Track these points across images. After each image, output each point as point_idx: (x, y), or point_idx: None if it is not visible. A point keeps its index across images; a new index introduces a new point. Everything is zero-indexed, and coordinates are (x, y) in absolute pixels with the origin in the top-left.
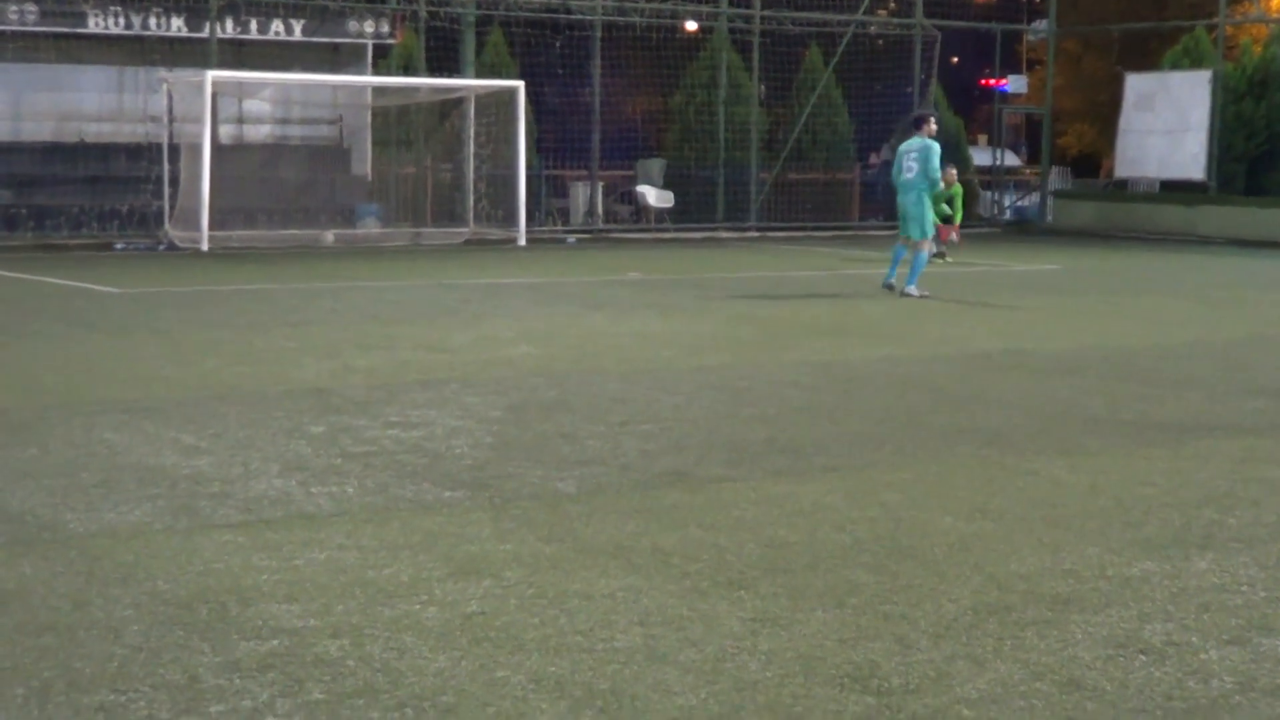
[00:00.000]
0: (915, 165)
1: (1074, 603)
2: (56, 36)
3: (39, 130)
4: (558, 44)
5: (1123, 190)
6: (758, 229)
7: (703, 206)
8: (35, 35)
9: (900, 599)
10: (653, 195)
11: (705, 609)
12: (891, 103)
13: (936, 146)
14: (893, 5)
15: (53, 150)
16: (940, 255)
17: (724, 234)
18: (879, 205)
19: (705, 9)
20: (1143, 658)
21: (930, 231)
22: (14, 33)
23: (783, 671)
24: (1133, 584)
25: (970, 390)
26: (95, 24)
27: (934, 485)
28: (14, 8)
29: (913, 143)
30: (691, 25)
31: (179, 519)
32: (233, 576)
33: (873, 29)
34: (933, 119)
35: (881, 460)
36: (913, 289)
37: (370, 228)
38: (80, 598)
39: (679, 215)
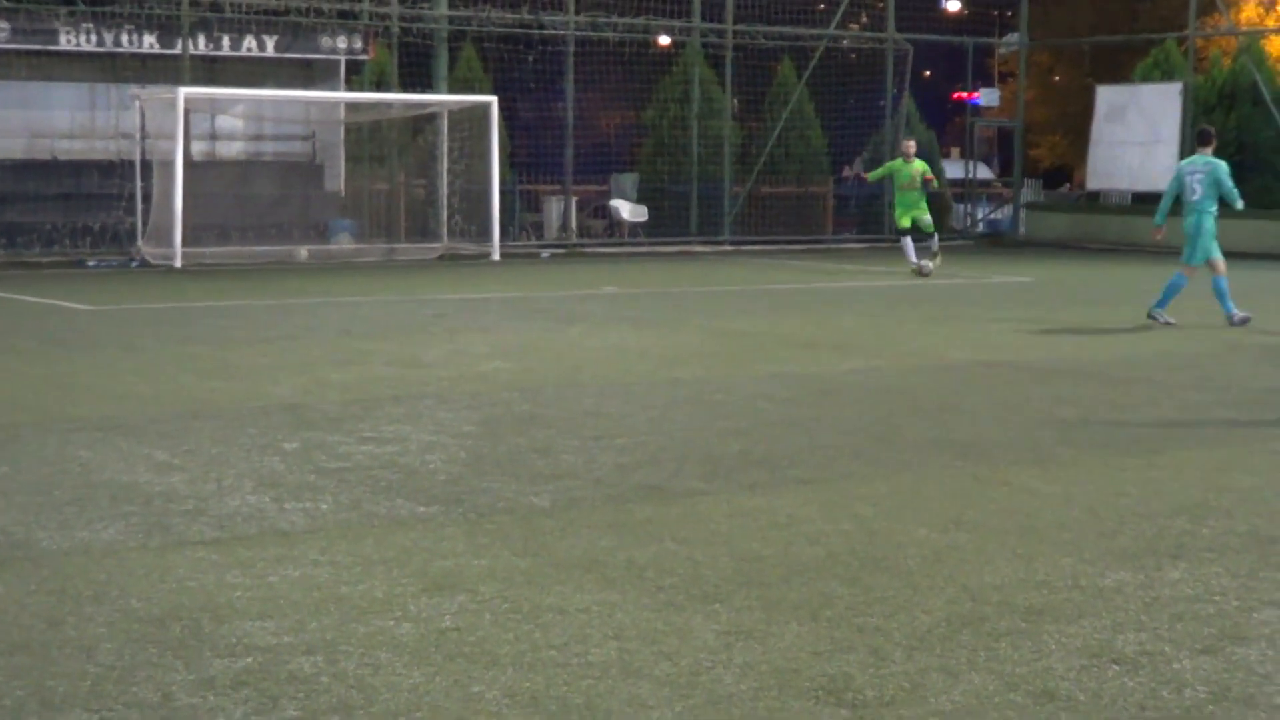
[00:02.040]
0: (1200, 187)
1: (1047, 613)
2: (28, 54)
3: (10, 147)
4: (531, 59)
5: (1095, 202)
6: (731, 243)
7: (676, 220)
8: (6, 52)
9: (874, 611)
10: (626, 209)
11: (680, 623)
12: (864, 116)
13: (1224, 165)
14: (865, 19)
15: (24, 167)
16: (920, 270)
17: (698, 248)
18: (852, 219)
19: (678, 23)
20: (1116, 668)
21: (1210, 254)
22: None
23: (757, 685)
24: (1106, 594)
25: (944, 401)
26: (67, 41)
27: (908, 497)
28: None
29: (1196, 161)
30: (664, 40)
31: (152, 536)
32: (206, 594)
33: (845, 43)
34: (1212, 134)
35: (856, 472)
36: (1235, 313)
37: (344, 244)
38: (53, 616)
39: (653, 229)
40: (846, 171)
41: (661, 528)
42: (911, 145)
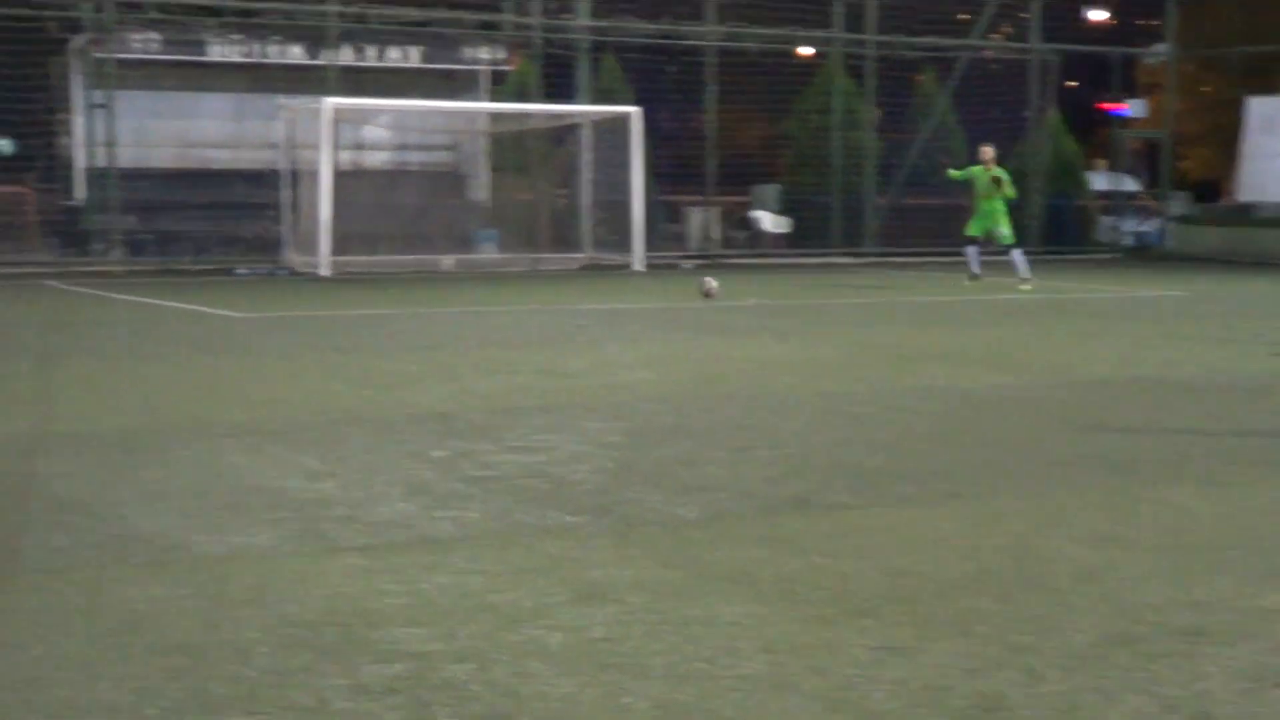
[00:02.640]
0: None
1: (1205, 634)
2: (179, 64)
3: (161, 157)
4: (672, 69)
5: (1246, 215)
6: (874, 254)
7: (818, 232)
8: (157, 63)
9: (1027, 629)
10: (769, 220)
11: (829, 637)
12: (1008, 128)
13: None
14: (1009, 29)
15: (175, 176)
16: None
17: (840, 259)
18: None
19: (819, 34)
20: (1277, 691)
21: None
22: (138, 60)
23: (909, 701)
24: (1267, 616)
25: (1093, 417)
26: (216, 52)
27: (1059, 513)
28: (138, 36)
29: None
30: (805, 50)
31: (305, 542)
32: (359, 600)
33: (988, 53)
34: None
35: (1005, 487)
36: None
37: (488, 253)
38: (210, 619)
39: (795, 240)
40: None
41: (810, 541)
42: (990, 152)
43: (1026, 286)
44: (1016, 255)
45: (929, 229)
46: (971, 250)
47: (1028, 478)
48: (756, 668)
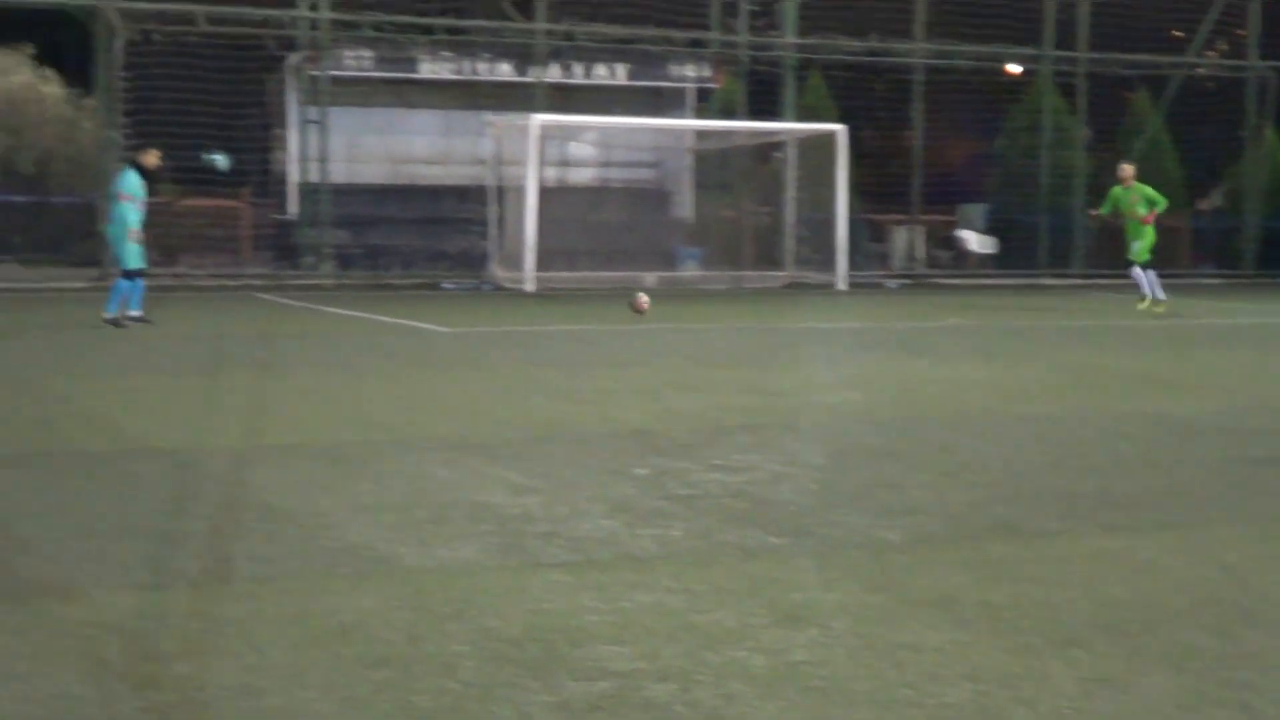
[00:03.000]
0: None
1: None
2: (390, 82)
3: (373, 173)
4: (878, 87)
5: None
6: (1082, 275)
7: (1025, 252)
8: (370, 80)
9: (1245, 666)
10: (974, 240)
11: (1037, 667)
12: (1222, 147)
13: None
14: (1225, 46)
15: (385, 192)
16: (1150, 299)
17: (1047, 280)
18: (1210, 253)
19: (1029, 51)
20: None
21: None
22: (351, 78)
23: None
24: None
25: None
26: (427, 69)
27: (1277, 544)
28: (351, 54)
29: None
30: (1014, 68)
31: (508, 557)
32: (562, 616)
33: (1202, 71)
34: None
35: (1221, 517)
36: None
37: (690, 270)
38: (415, 632)
39: (1000, 261)
40: (1203, 204)
41: (1016, 567)
42: (1129, 169)
43: (1144, 305)
44: (1145, 274)
45: None
46: (1137, 273)
47: (1243, 508)
48: (961, 696)
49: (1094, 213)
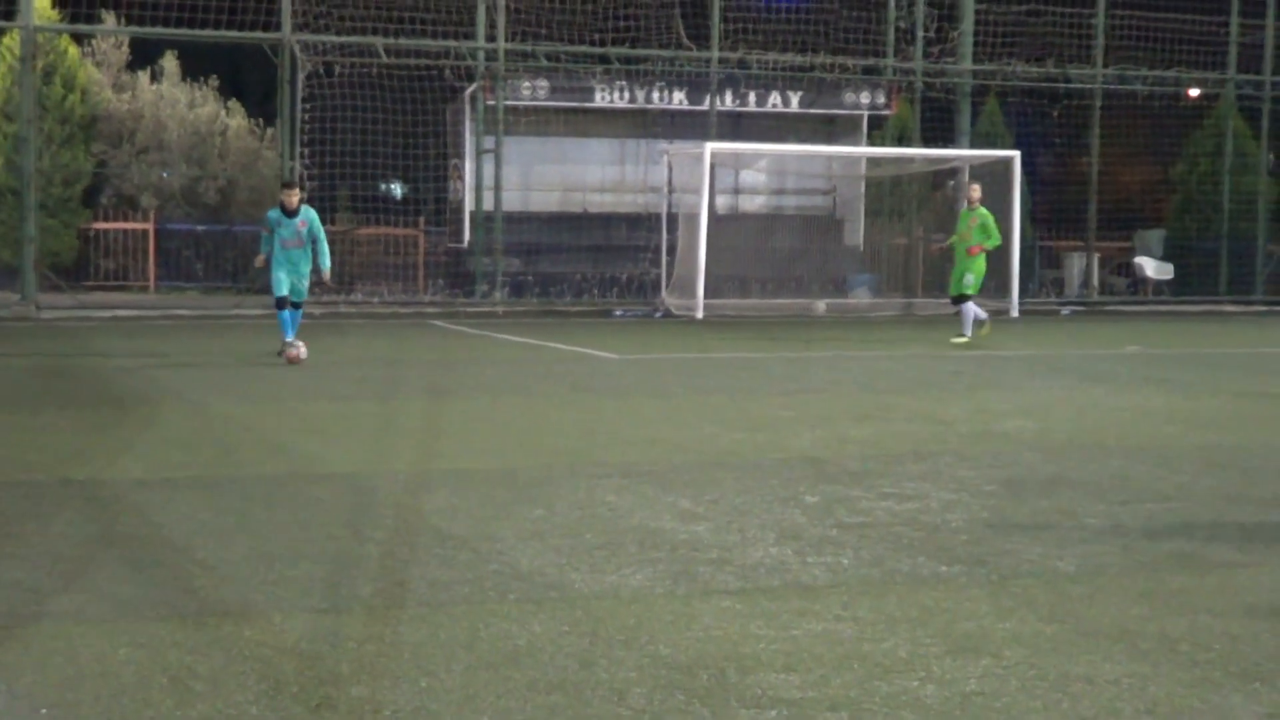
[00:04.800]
0: None
1: None
2: (565, 111)
3: (546, 201)
4: (1055, 113)
5: None
6: (1265, 303)
7: (1204, 279)
8: (545, 110)
9: None
10: (1151, 267)
11: (1218, 701)
12: None
13: None
14: None
15: (558, 219)
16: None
17: (1227, 308)
18: None
19: (1211, 75)
20: None
21: None
22: (526, 107)
23: None
24: None
25: None
26: (602, 98)
27: None
28: (527, 84)
29: None
30: (1194, 91)
31: (678, 584)
32: (731, 643)
33: None
34: None
35: None
36: None
37: (862, 298)
38: (586, 657)
39: (1179, 287)
40: None
41: (1195, 598)
42: (977, 190)
43: (972, 336)
44: (967, 308)
45: None
46: (965, 308)
47: None
48: None
49: (939, 246)
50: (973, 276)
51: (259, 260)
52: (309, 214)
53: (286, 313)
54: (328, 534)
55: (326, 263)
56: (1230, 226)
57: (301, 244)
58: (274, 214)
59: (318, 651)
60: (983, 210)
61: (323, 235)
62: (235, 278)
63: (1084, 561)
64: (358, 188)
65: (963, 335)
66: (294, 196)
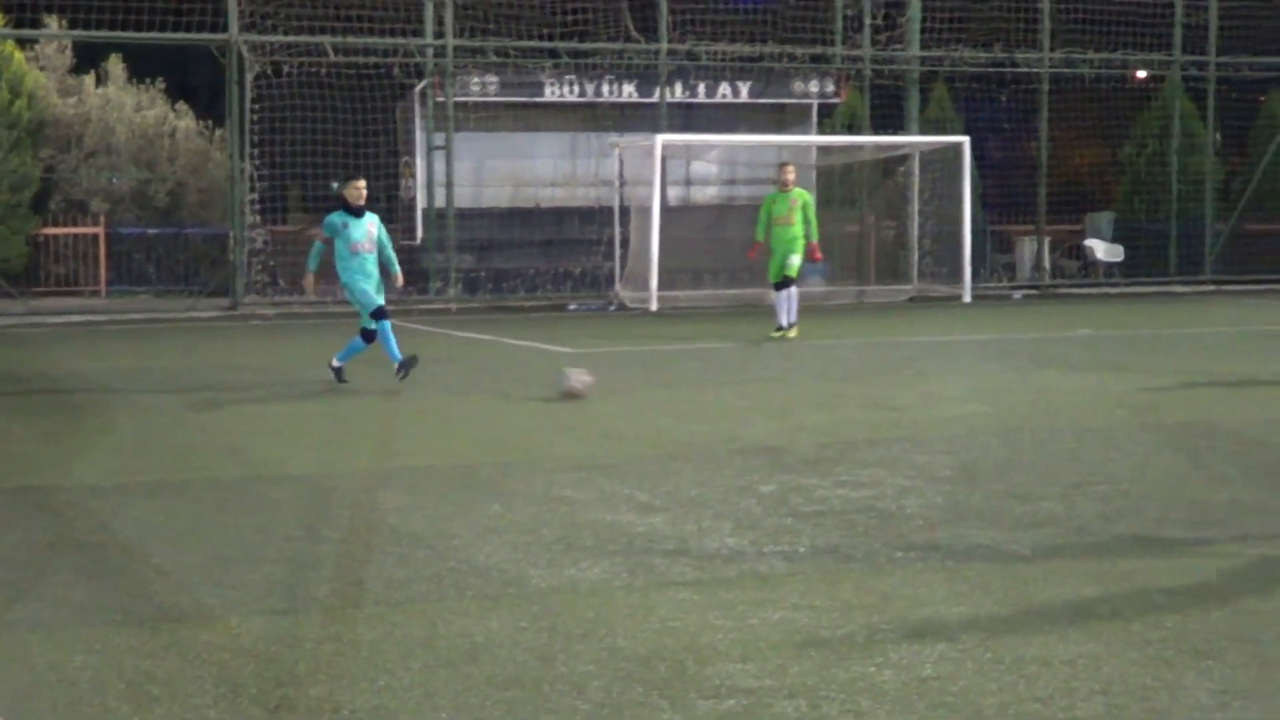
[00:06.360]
0: None
1: None
2: (515, 106)
3: (497, 196)
4: (1004, 98)
5: None
6: (1213, 282)
7: (1154, 260)
8: (496, 105)
9: None
10: (1101, 249)
11: (1170, 679)
12: None
13: None
14: None
15: (510, 215)
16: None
17: (1177, 288)
18: None
19: (1157, 56)
20: None
21: None
22: (476, 103)
23: None
24: None
25: None
26: (552, 92)
27: None
28: (476, 80)
29: None
30: (1141, 73)
31: (636, 576)
32: (689, 634)
33: None
34: None
35: None
36: None
37: (815, 286)
38: (544, 652)
39: (1129, 269)
40: None
41: (1148, 579)
42: (792, 170)
43: (789, 333)
44: (782, 296)
45: (1272, 256)
46: (781, 296)
47: None
48: (1094, 710)
49: (752, 251)
50: (797, 259)
51: (308, 281)
52: (373, 214)
53: (388, 323)
54: (284, 535)
55: (397, 266)
56: (1178, 207)
57: (373, 248)
58: (337, 217)
59: (275, 653)
60: (801, 192)
61: (388, 237)
62: (188, 280)
63: (1038, 544)
64: (309, 187)
65: (783, 328)
66: (363, 189)
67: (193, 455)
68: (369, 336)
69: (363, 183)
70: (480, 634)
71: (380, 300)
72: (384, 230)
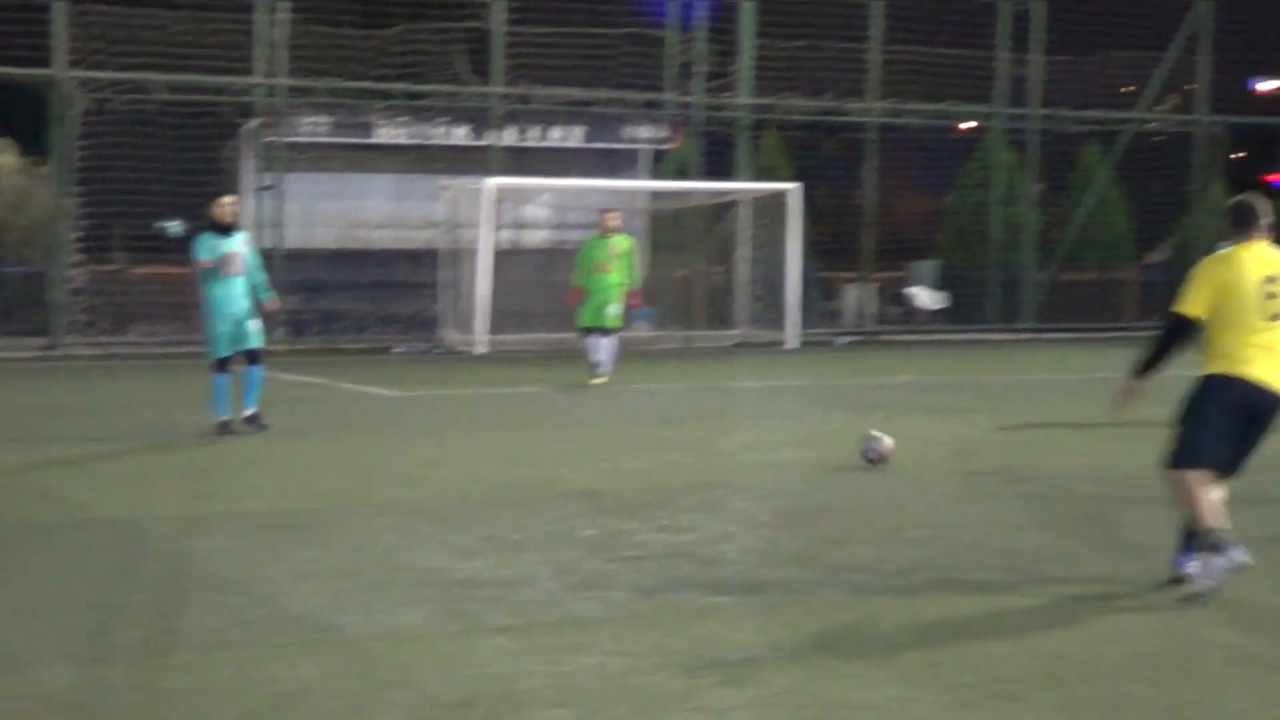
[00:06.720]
0: None
1: None
2: (346, 147)
3: (325, 237)
4: (831, 146)
5: None
6: (1031, 330)
7: (975, 307)
8: (326, 146)
9: (1179, 714)
10: (925, 296)
11: None
12: (1171, 201)
13: None
14: (1176, 100)
15: (338, 256)
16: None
17: (996, 335)
18: (1158, 305)
19: (980, 109)
20: None
21: None
22: (307, 144)
23: None
24: None
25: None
26: (384, 134)
27: (1222, 600)
28: (308, 120)
29: None
30: (966, 125)
31: (452, 622)
32: (504, 681)
33: (1152, 125)
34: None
35: (1161, 570)
36: None
37: (642, 331)
38: (357, 700)
39: (952, 316)
40: (1152, 257)
41: (957, 624)
42: (615, 217)
43: (602, 379)
44: (611, 343)
45: (1089, 304)
46: (588, 342)
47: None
48: None
49: (570, 296)
50: (614, 308)
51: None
52: (243, 233)
53: (226, 378)
54: (94, 581)
55: (267, 290)
56: (999, 256)
57: (243, 270)
58: (207, 238)
59: (84, 702)
60: (621, 239)
61: (258, 259)
62: (6, 320)
63: (852, 589)
64: (135, 226)
65: (599, 374)
66: (231, 204)
67: (1, 498)
68: (254, 358)
69: (232, 198)
70: (292, 681)
71: (228, 351)
72: (254, 252)
